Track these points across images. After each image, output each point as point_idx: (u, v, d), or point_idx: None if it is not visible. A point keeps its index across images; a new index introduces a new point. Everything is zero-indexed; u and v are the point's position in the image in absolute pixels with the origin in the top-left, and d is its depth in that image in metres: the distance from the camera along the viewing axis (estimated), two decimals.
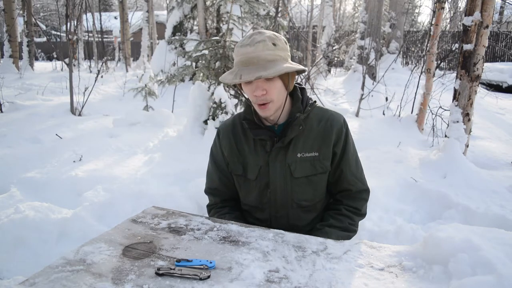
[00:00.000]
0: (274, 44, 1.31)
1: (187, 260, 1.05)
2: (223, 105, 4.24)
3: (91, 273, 1.00)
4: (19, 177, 3.37)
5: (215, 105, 4.31)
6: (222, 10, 9.04)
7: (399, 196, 3.25)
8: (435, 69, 5.30)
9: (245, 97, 1.49)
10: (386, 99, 6.30)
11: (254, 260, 1.08)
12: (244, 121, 1.48)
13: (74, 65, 12.01)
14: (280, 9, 7.96)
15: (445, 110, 4.73)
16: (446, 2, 5.62)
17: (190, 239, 1.20)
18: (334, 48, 12.95)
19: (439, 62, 6.05)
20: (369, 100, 6.68)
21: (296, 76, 1.46)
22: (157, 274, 1.00)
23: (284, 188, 1.46)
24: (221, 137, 1.56)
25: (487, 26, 3.70)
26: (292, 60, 1.41)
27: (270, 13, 8.31)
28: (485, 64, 4.68)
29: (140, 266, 1.04)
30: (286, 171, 1.45)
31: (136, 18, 19.81)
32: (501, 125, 5.97)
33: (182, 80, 8.41)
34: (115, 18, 19.92)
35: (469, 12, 3.75)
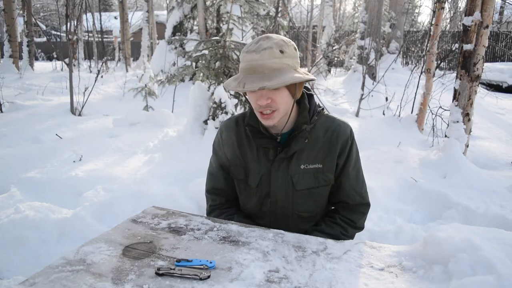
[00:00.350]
0: (281, 52, 1.25)
1: (187, 260, 1.05)
2: (223, 105, 4.24)
3: (91, 273, 1.00)
4: (19, 177, 3.37)
5: (215, 105, 4.31)
6: (222, 10, 9.04)
7: (399, 196, 3.25)
8: (435, 69, 5.30)
9: (248, 102, 1.43)
10: (386, 99, 6.30)
11: (254, 260, 1.08)
12: (247, 127, 1.43)
13: (74, 65, 12.02)
14: (280, 9, 7.96)
15: (445, 110, 4.73)
16: (446, 2, 5.61)
17: (190, 239, 1.19)
18: (334, 48, 12.96)
19: (439, 62, 6.05)
20: (369, 100, 6.68)
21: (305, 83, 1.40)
22: (157, 274, 1.00)
23: (285, 199, 1.44)
24: (224, 137, 1.51)
25: (487, 26, 3.70)
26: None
27: (270, 13, 8.31)
28: (485, 64, 4.68)
29: (140, 266, 1.04)
30: (288, 183, 1.41)
31: (136, 18, 19.80)
32: (501, 125, 5.97)
33: (182, 80, 8.42)
34: (115, 18, 19.93)
35: (469, 12, 3.75)
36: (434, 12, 5.27)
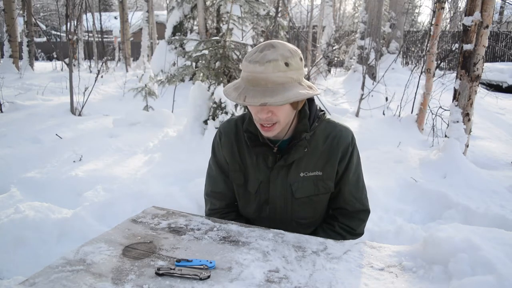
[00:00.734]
0: (286, 64, 1.18)
1: (187, 260, 1.05)
2: (223, 105, 4.24)
3: (91, 273, 1.00)
4: (19, 177, 3.38)
5: (215, 105, 4.31)
6: (222, 10, 9.04)
7: (399, 196, 3.25)
8: (435, 69, 5.30)
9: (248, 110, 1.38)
10: (386, 99, 6.30)
11: (254, 260, 1.08)
12: (245, 133, 1.39)
13: (74, 65, 12.01)
14: (280, 9, 7.96)
15: (445, 110, 4.73)
16: (446, 2, 5.61)
17: (190, 239, 1.19)
18: (334, 48, 12.95)
19: (439, 62, 6.05)
20: (369, 100, 6.68)
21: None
22: (157, 274, 1.00)
23: (284, 207, 1.42)
24: (223, 140, 1.47)
25: (487, 26, 3.70)
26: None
27: (270, 13, 8.31)
28: (485, 64, 4.68)
29: (140, 266, 1.04)
30: (287, 191, 1.39)
31: (136, 18, 19.80)
32: (501, 125, 5.97)
33: (182, 80, 8.42)
34: (115, 18, 19.94)
35: (469, 12, 3.75)
36: (434, 12, 5.27)
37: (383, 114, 6.02)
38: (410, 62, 14.14)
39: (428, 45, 5.22)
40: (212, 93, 4.38)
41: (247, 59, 1.22)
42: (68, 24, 7.28)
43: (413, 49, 13.72)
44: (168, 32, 9.89)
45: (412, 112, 5.64)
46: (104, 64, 12.28)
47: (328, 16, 15.24)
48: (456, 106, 3.93)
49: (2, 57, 12.72)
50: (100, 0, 17.29)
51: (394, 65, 9.49)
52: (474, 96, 3.90)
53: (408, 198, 3.24)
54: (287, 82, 1.19)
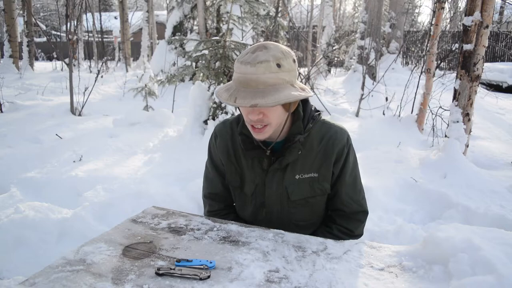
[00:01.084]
0: (278, 65, 1.17)
1: (187, 260, 1.05)
2: (223, 105, 4.24)
3: (91, 273, 1.00)
4: (19, 177, 3.38)
5: (215, 105, 4.32)
6: (222, 10, 9.04)
7: (399, 196, 3.25)
8: (435, 69, 5.30)
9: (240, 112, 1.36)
10: (386, 99, 6.30)
11: (254, 260, 1.08)
12: (240, 135, 1.37)
13: (74, 65, 12.01)
14: (280, 9, 7.96)
15: (445, 110, 4.73)
16: (446, 2, 5.62)
17: (190, 239, 1.19)
18: (334, 48, 12.95)
19: (439, 62, 6.05)
20: (369, 100, 6.68)
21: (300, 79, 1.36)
22: (157, 274, 1.00)
23: (280, 209, 1.41)
24: (218, 142, 1.46)
25: (487, 26, 3.70)
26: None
27: (270, 13, 8.31)
28: (485, 64, 4.68)
29: (140, 266, 1.04)
30: (282, 193, 1.38)
31: (136, 18, 19.80)
32: (501, 125, 5.97)
33: (182, 80, 8.42)
34: (115, 18, 19.94)
35: (469, 12, 3.75)
36: (434, 12, 5.27)
37: (383, 114, 6.02)
38: (410, 62, 14.13)
39: (428, 45, 5.22)
40: (212, 93, 4.38)
41: (239, 60, 1.21)
42: (68, 24, 7.28)
43: (413, 49, 13.72)
44: (168, 32, 9.89)
45: (412, 112, 5.64)
46: (104, 64, 12.28)
47: (328, 16, 15.24)
48: (456, 106, 3.93)
49: (2, 57, 12.72)
50: (100, 0, 17.29)
51: (394, 65, 9.49)
52: (474, 96, 3.90)
53: (408, 198, 3.24)
54: (279, 83, 1.18)
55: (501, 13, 18.77)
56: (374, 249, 1.17)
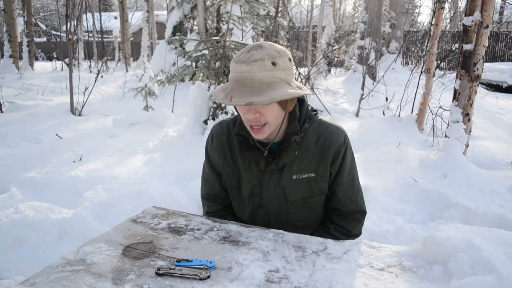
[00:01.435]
0: (273, 64, 1.17)
1: (187, 260, 1.05)
2: (223, 105, 4.24)
3: (91, 273, 1.00)
4: (19, 177, 3.38)
5: (215, 105, 4.32)
6: (222, 10, 9.04)
7: (399, 196, 3.25)
8: (435, 69, 5.30)
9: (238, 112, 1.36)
10: (386, 99, 6.30)
11: (254, 260, 1.08)
12: (236, 136, 1.37)
13: (74, 65, 12.01)
14: (280, 9, 7.96)
15: (445, 110, 4.73)
16: (446, 2, 5.62)
17: (190, 239, 1.19)
18: (334, 48, 12.95)
19: (439, 62, 6.05)
20: (369, 100, 6.68)
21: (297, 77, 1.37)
22: (157, 274, 1.00)
23: (278, 210, 1.41)
24: (215, 143, 1.46)
25: (487, 26, 3.70)
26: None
27: (270, 13, 8.31)
28: (485, 64, 4.68)
29: (140, 266, 1.04)
30: (280, 194, 1.38)
31: (136, 18, 19.79)
32: (501, 125, 5.97)
33: (182, 80, 8.42)
34: (115, 18, 19.93)
35: (469, 12, 3.75)
36: (434, 12, 5.27)
37: (383, 114, 6.02)
38: (410, 62, 14.13)
39: (428, 45, 5.22)
40: None
41: (235, 59, 1.21)
42: (68, 24, 7.28)
43: (413, 49, 13.72)
44: (168, 32, 9.89)
45: (412, 112, 5.64)
46: (104, 64, 12.28)
47: (328, 16, 15.24)
48: (456, 106, 3.93)
49: (2, 57, 12.72)
50: (100, 0, 17.29)
51: (394, 65, 9.49)
52: (474, 96, 3.90)
53: (408, 198, 3.24)
54: (274, 81, 1.17)
55: (501, 13, 18.77)
56: (374, 249, 1.17)
